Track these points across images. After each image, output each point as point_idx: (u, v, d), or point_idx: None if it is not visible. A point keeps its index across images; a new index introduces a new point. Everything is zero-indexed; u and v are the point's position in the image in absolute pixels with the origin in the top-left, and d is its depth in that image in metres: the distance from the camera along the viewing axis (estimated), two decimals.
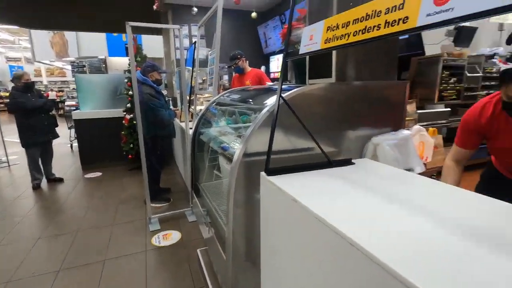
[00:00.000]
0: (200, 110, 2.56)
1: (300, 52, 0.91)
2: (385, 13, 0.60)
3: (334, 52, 1.38)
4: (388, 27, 0.59)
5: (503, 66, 4.14)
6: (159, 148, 3.50)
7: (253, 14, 6.43)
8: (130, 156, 5.08)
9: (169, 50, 6.83)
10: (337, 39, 0.74)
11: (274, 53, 6.67)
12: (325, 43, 0.79)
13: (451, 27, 4.44)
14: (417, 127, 2.05)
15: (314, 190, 0.95)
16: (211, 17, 2.63)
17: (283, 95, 1.29)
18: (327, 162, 1.21)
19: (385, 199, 0.86)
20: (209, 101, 2.45)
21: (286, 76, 2.07)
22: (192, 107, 3.35)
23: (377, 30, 0.62)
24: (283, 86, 1.60)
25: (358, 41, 0.67)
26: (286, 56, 1.01)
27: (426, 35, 4.32)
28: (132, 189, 4.27)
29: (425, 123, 3.69)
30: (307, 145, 1.37)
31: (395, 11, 0.58)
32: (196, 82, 2.99)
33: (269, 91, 1.80)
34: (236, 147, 1.38)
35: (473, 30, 4.48)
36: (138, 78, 2.95)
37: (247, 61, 3.78)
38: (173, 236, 2.92)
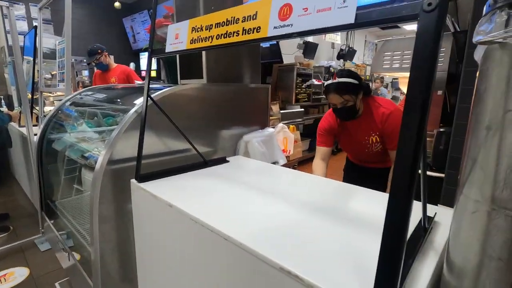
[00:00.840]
0: (50, 111, 2.07)
1: (167, 51, 0.88)
2: (242, 21, 0.66)
3: (203, 54, 1.41)
4: (245, 34, 0.64)
5: (315, 82, 5.32)
6: None
7: (116, 4, 5.75)
8: None
9: None
10: (202, 41, 0.76)
11: (143, 50, 6.20)
12: (191, 43, 0.79)
13: (301, 41, 5.38)
14: (281, 125, 2.37)
15: (190, 192, 0.94)
16: None
17: (153, 95, 1.21)
18: (203, 162, 1.22)
19: (254, 191, 0.94)
20: (61, 100, 2.02)
21: (159, 75, 1.95)
22: (37, 108, 2.68)
23: (236, 36, 0.66)
24: (155, 86, 1.51)
25: (220, 45, 0.70)
26: (151, 54, 0.95)
27: (283, 46, 5.04)
28: None
29: (286, 121, 4.32)
30: (183, 147, 1.34)
31: (250, 20, 0.64)
32: (41, 76, 2.40)
33: (138, 90, 1.65)
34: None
35: (315, 45, 5.58)
36: None
37: (112, 57, 3.34)
38: (17, 275, 2.26)
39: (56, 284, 2.01)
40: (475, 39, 0.43)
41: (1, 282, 2.17)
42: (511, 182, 0.39)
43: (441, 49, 2.06)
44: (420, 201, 0.68)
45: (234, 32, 0.67)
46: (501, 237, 0.40)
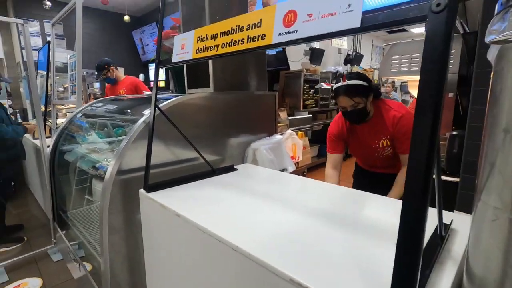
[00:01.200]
0: (62, 123, 2.12)
1: (173, 61, 0.88)
2: (247, 29, 0.66)
3: (210, 63, 1.42)
4: (250, 42, 0.64)
5: (324, 86, 5.31)
6: None
7: (126, 17, 5.91)
8: None
9: (12, 50, 5.41)
10: (207, 50, 0.76)
11: (151, 61, 6.33)
12: (196, 53, 0.80)
13: (307, 48, 5.39)
14: (289, 131, 2.36)
15: (198, 202, 0.93)
16: (71, 14, 2.24)
17: (161, 105, 1.22)
18: (211, 171, 1.22)
19: (262, 199, 0.93)
20: (73, 112, 2.07)
21: (168, 85, 1.98)
22: (50, 120, 2.74)
23: (241, 44, 0.67)
24: (163, 96, 1.53)
25: (226, 53, 0.71)
26: (158, 64, 0.96)
27: (289, 53, 5.06)
28: None
29: (294, 128, 4.30)
30: (191, 156, 1.34)
31: (254, 28, 0.64)
32: (53, 89, 2.46)
33: (147, 101, 1.67)
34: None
35: (322, 51, 5.58)
36: None
37: (121, 69, 3.42)
38: (30, 285, 2.28)
39: None
40: (488, 39, 0.41)
41: None
42: None
43: (451, 51, 2.03)
44: (435, 207, 0.66)
45: (239, 41, 0.67)
46: None
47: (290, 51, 5.12)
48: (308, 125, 4.76)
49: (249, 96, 1.61)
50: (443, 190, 0.64)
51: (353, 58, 6.47)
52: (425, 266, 0.54)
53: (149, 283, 1.09)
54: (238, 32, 0.67)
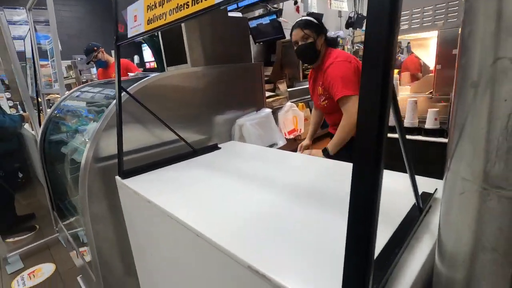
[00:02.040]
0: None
1: (129, 36, 0.80)
2: None
3: (185, 37, 1.32)
4: (194, 5, 0.56)
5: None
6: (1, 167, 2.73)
7: None
8: None
9: (2, 40, 5.30)
10: (157, 19, 0.68)
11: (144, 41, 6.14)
12: (148, 23, 0.71)
13: (305, 13, 5.09)
14: (289, 103, 2.27)
15: (172, 186, 0.89)
16: None
17: (132, 86, 1.16)
18: (192, 151, 1.17)
19: (238, 179, 0.88)
20: None
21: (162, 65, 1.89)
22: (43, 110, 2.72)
23: (187, 8, 0.58)
24: (141, 76, 1.45)
25: (174, 21, 0.62)
26: (116, 41, 0.88)
27: (286, 19, 4.79)
28: None
29: (295, 99, 4.17)
30: (173, 137, 1.29)
31: None
32: (40, 78, 2.41)
33: (134, 82, 1.60)
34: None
35: (320, 15, 5.26)
36: None
37: (112, 52, 3.31)
38: (44, 271, 2.39)
39: (78, 278, 2.10)
40: None
41: (30, 278, 2.30)
42: (505, 153, 0.30)
43: (455, 2, 1.85)
44: (422, 175, 0.59)
45: (184, 4, 0.58)
46: (495, 224, 0.32)
47: (286, 17, 4.85)
48: (309, 96, 4.61)
49: (232, 69, 1.51)
50: (439, 154, 0.57)
51: (355, 21, 6.08)
52: (398, 242, 0.49)
53: (138, 266, 1.09)
54: None
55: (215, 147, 1.24)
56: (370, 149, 0.32)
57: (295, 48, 1.58)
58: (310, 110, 4.95)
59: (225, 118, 1.50)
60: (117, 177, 0.99)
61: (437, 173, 0.55)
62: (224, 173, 0.94)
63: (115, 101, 1.11)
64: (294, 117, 2.38)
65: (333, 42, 1.65)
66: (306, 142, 1.89)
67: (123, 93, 1.06)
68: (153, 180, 0.94)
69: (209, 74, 1.40)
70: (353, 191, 0.34)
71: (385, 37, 0.30)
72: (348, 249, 0.35)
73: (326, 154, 1.48)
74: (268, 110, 1.56)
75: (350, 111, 1.35)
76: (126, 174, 0.97)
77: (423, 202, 0.58)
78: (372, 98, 0.31)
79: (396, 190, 0.69)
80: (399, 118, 0.45)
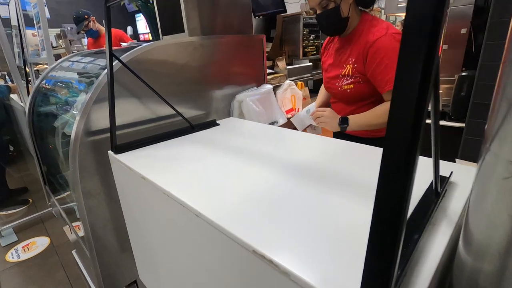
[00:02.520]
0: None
1: None
2: None
3: (182, 3, 1.22)
4: None
5: None
6: None
7: None
8: None
9: None
10: None
11: (139, 11, 5.84)
12: None
13: None
14: (287, 82, 2.19)
15: (168, 162, 0.84)
16: None
17: (125, 55, 1.07)
18: (190, 127, 1.11)
19: (239, 157, 0.83)
20: None
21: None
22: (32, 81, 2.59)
23: None
24: (135, 45, 1.35)
25: None
26: (106, 1, 0.79)
27: None
28: None
29: (294, 78, 4.06)
30: (170, 112, 1.22)
31: None
32: (26, 46, 2.27)
33: (127, 51, 1.50)
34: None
35: None
36: None
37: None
38: (38, 244, 2.39)
39: (73, 252, 2.10)
40: None
41: (24, 251, 2.30)
42: None
43: None
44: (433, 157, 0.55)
45: None
46: None
47: None
48: (309, 74, 4.49)
49: (231, 41, 1.42)
50: (447, 137, 0.53)
51: None
52: (414, 229, 0.46)
53: (133, 245, 1.07)
54: None
55: (213, 123, 1.19)
56: (404, 127, 0.27)
57: (315, 17, 1.18)
58: (310, 90, 4.87)
59: (224, 93, 1.43)
60: (110, 152, 0.93)
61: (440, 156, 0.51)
62: (224, 151, 0.89)
63: (106, 70, 1.03)
64: (293, 96, 2.31)
65: (369, 1, 1.17)
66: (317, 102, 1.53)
67: (115, 62, 0.98)
68: (149, 155, 0.89)
69: (208, 45, 1.31)
70: (382, 178, 0.29)
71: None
72: (372, 238, 0.31)
73: (343, 125, 1.15)
74: (269, 86, 1.49)
75: None
76: (119, 149, 0.91)
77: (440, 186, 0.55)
78: (411, 85, 0.25)
79: None
80: (436, 95, 0.40)
